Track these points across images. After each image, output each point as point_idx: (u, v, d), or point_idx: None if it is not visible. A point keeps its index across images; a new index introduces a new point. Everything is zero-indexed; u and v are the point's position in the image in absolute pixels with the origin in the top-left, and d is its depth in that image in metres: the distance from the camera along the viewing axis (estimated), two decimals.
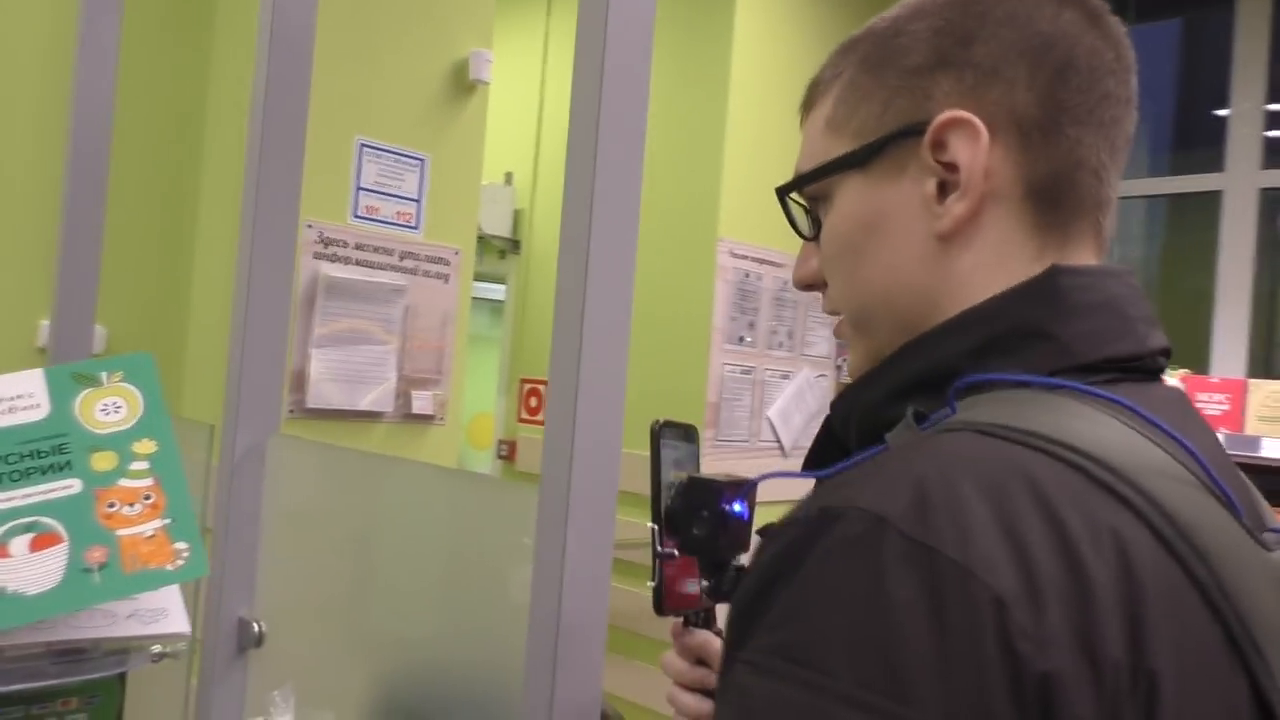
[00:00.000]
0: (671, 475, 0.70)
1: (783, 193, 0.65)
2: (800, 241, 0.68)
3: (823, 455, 0.63)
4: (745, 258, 3.12)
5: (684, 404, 3.02)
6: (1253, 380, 2.83)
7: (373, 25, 2.27)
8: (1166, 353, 0.58)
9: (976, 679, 0.40)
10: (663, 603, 0.70)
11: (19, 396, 0.75)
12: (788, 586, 0.44)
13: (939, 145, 0.56)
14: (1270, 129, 3.89)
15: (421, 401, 2.37)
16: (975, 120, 0.55)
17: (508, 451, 3.66)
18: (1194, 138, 4.68)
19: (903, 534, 0.42)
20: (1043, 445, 0.46)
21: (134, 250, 2.22)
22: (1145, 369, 0.56)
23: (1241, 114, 3.90)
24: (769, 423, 3.20)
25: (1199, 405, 2.98)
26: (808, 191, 0.64)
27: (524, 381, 3.64)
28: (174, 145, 2.28)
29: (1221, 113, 4.00)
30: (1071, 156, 0.56)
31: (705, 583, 0.67)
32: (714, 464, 3.02)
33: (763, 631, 0.44)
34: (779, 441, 3.21)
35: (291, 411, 2.16)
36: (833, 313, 0.65)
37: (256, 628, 1.38)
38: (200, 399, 2.23)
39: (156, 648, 0.74)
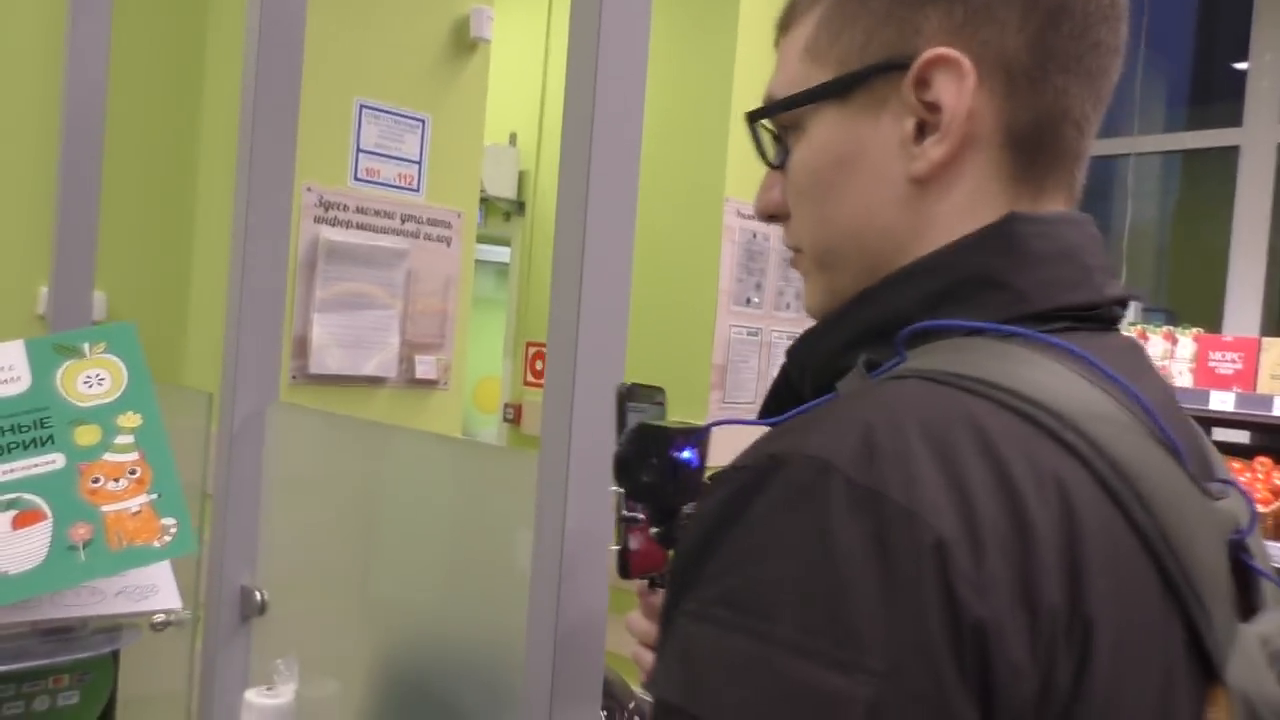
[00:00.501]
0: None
1: (753, 118, 0.63)
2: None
3: (779, 403, 0.62)
4: (752, 218, 3.07)
5: (690, 366, 3.00)
6: (1266, 339, 2.79)
7: None
8: (1124, 302, 0.57)
9: (918, 623, 0.40)
10: (628, 566, 0.70)
11: None
12: (732, 533, 0.44)
13: (922, 83, 0.54)
14: None
15: (425, 366, 2.35)
16: (964, 60, 0.53)
17: (514, 415, 3.65)
18: (1211, 92, 4.59)
19: (848, 479, 0.42)
20: (989, 392, 0.46)
21: (133, 215, 2.19)
22: (1101, 318, 0.55)
23: (1261, 67, 3.81)
24: None
25: (1211, 364, 2.94)
26: (780, 119, 0.62)
27: (529, 345, 3.62)
28: (171, 106, 2.25)
29: (1240, 66, 3.91)
30: (1057, 106, 0.55)
31: (654, 530, 0.66)
32: (721, 427, 3.01)
33: (706, 581, 0.44)
34: None
35: (294, 377, 2.15)
36: (794, 247, 0.63)
37: (259, 596, 1.37)
38: (203, 365, 2.22)
39: (160, 617, 0.73)
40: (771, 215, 0.64)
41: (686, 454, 0.62)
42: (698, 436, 0.63)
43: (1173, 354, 3.02)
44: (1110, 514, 0.44)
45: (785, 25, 0.63)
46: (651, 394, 0.76)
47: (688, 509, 0.66)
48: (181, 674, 1.64)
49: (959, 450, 0.43)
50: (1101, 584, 0.43)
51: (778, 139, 0.63)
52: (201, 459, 1.50)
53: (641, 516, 0.69)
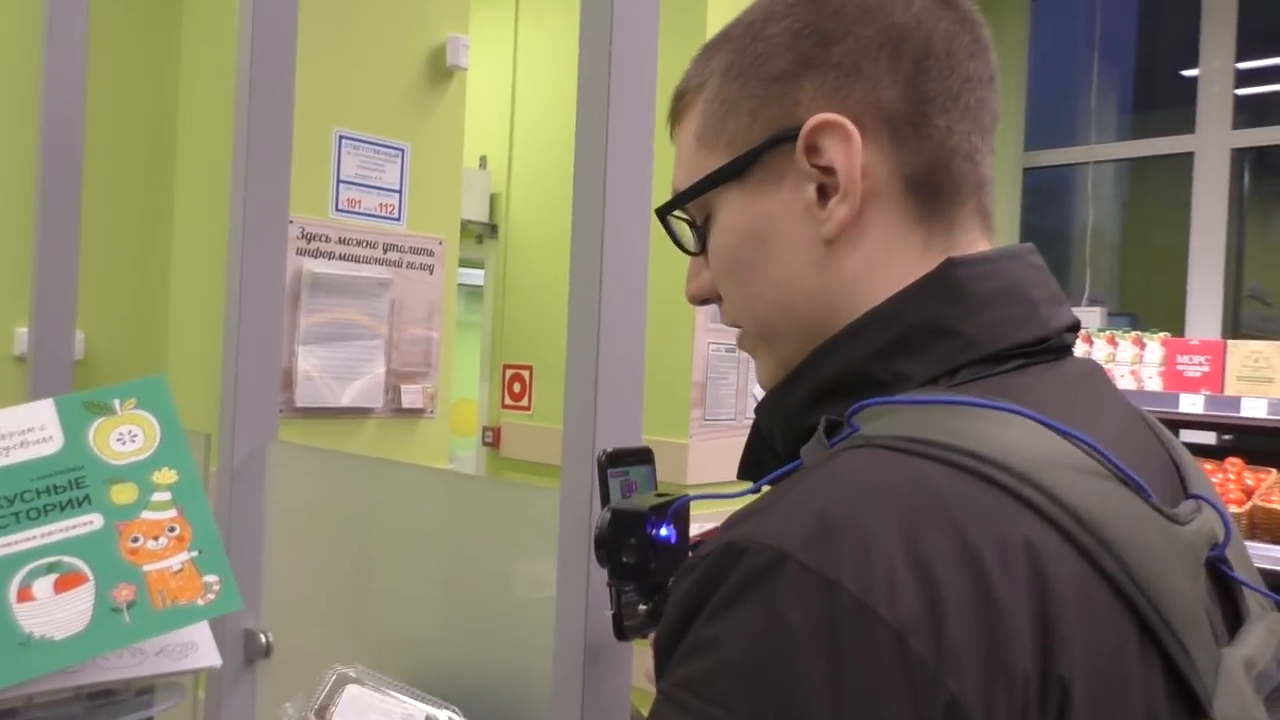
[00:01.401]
0: (619, 498, 0.70)
1: (663, 213, 0.64)
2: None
3: (755, 460, 0.63)
4: None
5: (671, 384, 3.01)
6: (1231, 341, 2.86)
7: (347, 13, 2.22)
8: (1075, 328, 0.59)
9: (873, 712, 0.40)
10: (623, 628, 0.71)
11: (30, 429, 0.72)
12: (695, 622, 0.44)
13: (813, 149, 0.56)
14: (1241, 87, 3.91)
15: (411, 395, 2.34)
16: (844, 121, 0.55)
17: (492, 438, 3.63)
18: (1159, 99, 4.71)
19: (802, 566, 0.42)
20: (944, 455, 0.46)
21: (110, 253, 2.16)
22: (1052, 349, 0.56)
23: (1210, 73, 3.92)
24: (754, 399, 3.19)
25: (1179, 368, 3.01)
26: (689, 208, 0.63)
27: (506, 367, 3.61)
28: (146, 144, 2.22)
29: (1190, 73, 4.01)
30: (945, 145, 0.56)
31: (643, 607, 0.67)
32: (703, 443, 3.02)
33: (675, 663, 0.45)
34: None
35: (281, 411, 2.12)
36: (732, 324, 0.64)
37: (264, 639, 1.36)
38: (185, 402, 2.19)
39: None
40: (704, 299, 0.65)
41: (664, 531, 0.62)
42: (674, 511, 0.63)
43: (1141, 359, 3.08)
44: (1078, 567, 0.44)
45: (675, 118, 0.65)
46: (637, 456, 0.77)
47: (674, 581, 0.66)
48: (185, 713, 1.61)
49: (915, 525, 0.43)
50: (1075, 641, 0.42)
51: (693, 225, 0.64)
52: None
53: (633, 589, 0.69)
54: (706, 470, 2.97)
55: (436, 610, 1.26)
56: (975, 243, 0.58)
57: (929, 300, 0.54)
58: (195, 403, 2.11)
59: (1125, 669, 0.44)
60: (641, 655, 0.85)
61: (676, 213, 0.64)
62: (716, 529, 0.50)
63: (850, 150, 0.55)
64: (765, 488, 0.53)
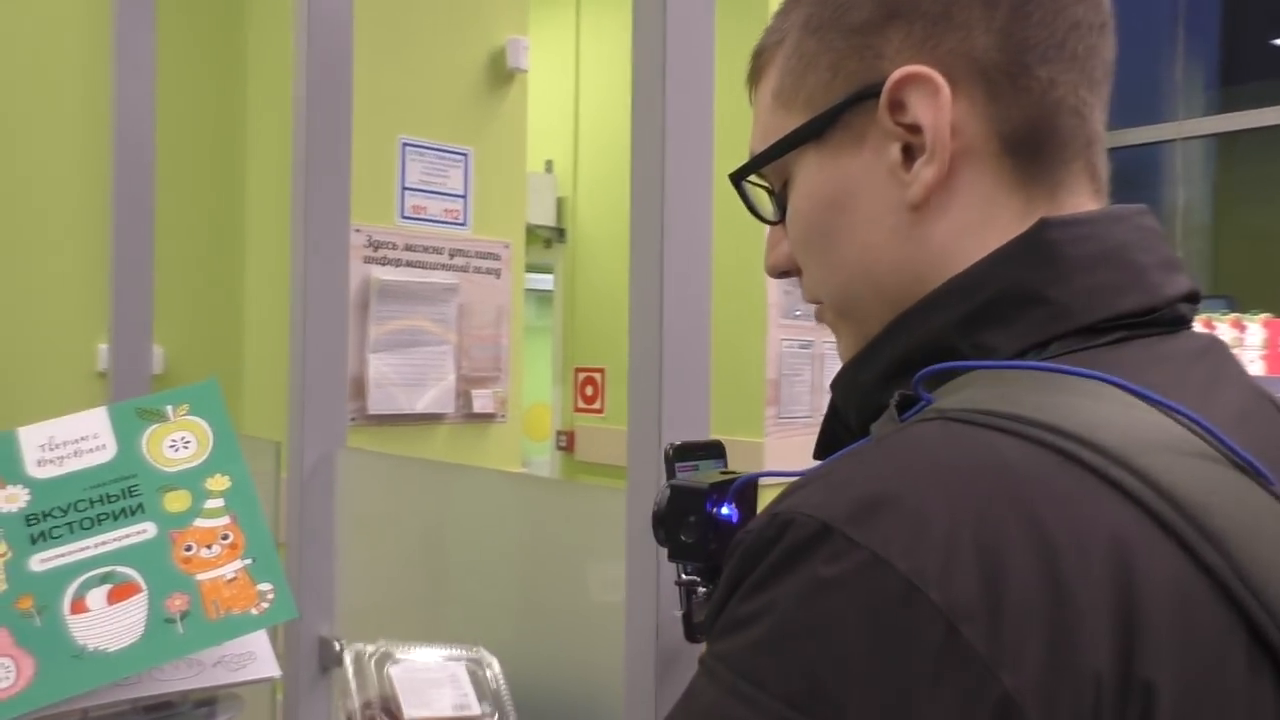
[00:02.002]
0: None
1: (737, 179, 0.60)
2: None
3: (830, 437, 0.59)
4: None
5: (743, 383, 2.96)
6: None
7: (405, 19, 2.23)
8: (1193, 298, 0.52)
9: (914, 703, 0.36)
10: (694, 629, 0.67)
11: (84, 438, 0.71)
12: (736, 594, 0.42)
13: (897, 106, 0.51)
14: None
15: (482, 400, 2.34)
16: (932, 74, 0.50)
17: (566, 442, 3.63)
18: (1249, 70, 4.49)
19: (848, 539, 0.38)
20: (1021, 429, 0.41)
21: (185, 267, 2.20)
22: (1162, 321, 0.50)
23: None
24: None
25: None
26: (765, 173, 0.59)
27: (578, 370, 3.60)
28: (216, 158, 2.26)
29: (1278, 41, 3.81)
30: (1047, 99, 0.51)
31: (702, 589, 0.63)
32: (779, 441, 2.97)
33: (714, 637, 0.42)
34: None
35: (353, 419, 2.14)
36: (813, 300, 0.60)
37: (338, 646, 1.35)
38: (262, 412, 2.22)
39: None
40: (784, 271, 0.61)
41: (725, 510, 0.60)
42: (736, 490, 0.60)
43: (1242, 341, 2.93)
44: (1175, 561, 0.39)
45: (754, 77, 0.61)
46: (707, 450, 0.73)
47: None
48: (263, 716, 1.62)
49: (982, 501, 0.39)
50: (1166, 644, 0.38)
51: (772, 193, 0.60)
52: (273, 507, 1.49)
53: (695, 572, 0.66)
54: (783, 468, 2.91)
55: (508, 613, 1.24)
56: (1083, 206, 0.53)
57: (1018, 265, 0.49)
58: (272, 412, 2.14)
59: (1229, 679, 0.39)
60: None
61: (753, 179, 0.60)
62: None
63: (938, 106, 0.50)
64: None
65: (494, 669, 0.99)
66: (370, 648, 0.96)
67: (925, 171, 0.50)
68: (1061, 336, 0.47)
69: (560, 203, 3.63)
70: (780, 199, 0.58)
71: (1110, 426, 0.41)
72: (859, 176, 0.53)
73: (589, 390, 3.60)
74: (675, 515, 0.59)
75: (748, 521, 0.60)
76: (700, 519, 0.59)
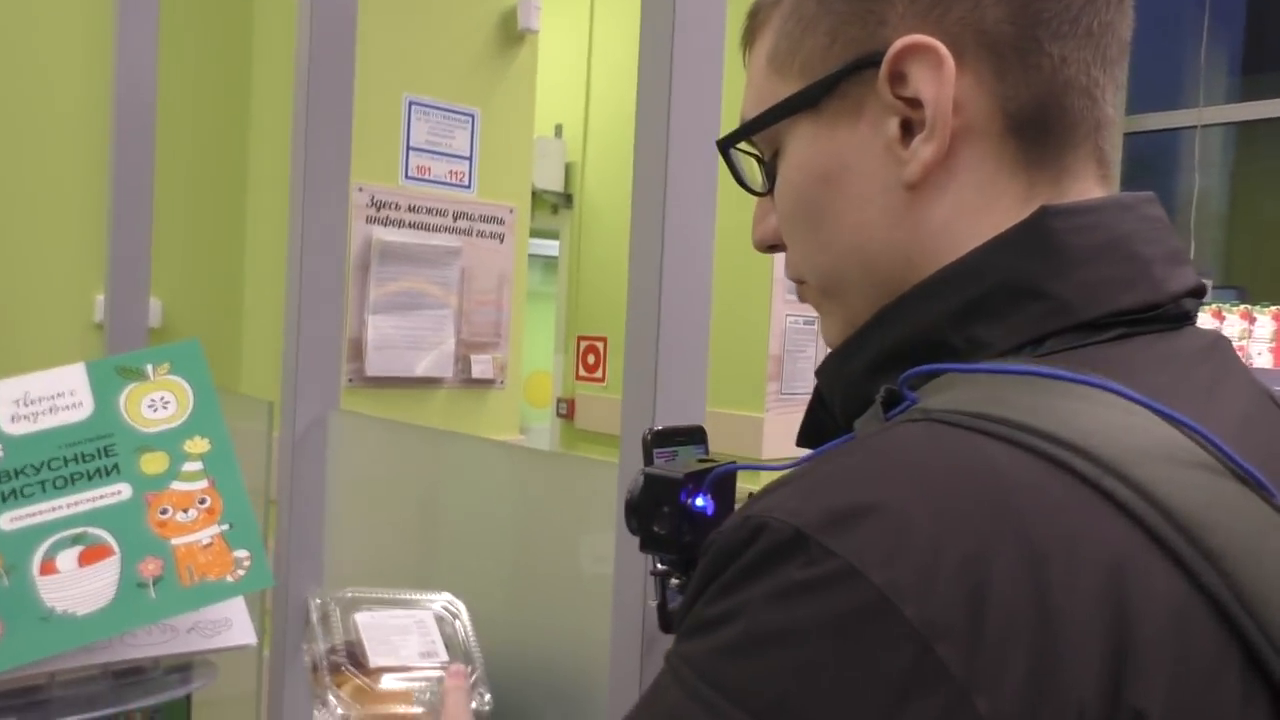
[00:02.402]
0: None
1: (725, 145, 0.57)
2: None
3: (815, 426, 0.57)
4: None
5: (746, 358, 2.94)
6: None
7: None
8: (1197, 293, 0.49)
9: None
10: (668, 619, 0.65)
11: (59, 394, 0.69)
12: (703, 596, 0.40)
13: (898, 78, 0.48)
14: None
15: (481, 366, 2.32)
16: (936, 45, 0.47)
17: (566, 410, 3.61)
18: (1272, 59, 4.42)
19: (821, 548, 0.36)
20: (1011, 434, 0.39)
21: (184, 220, 2.18)
22: (1167, 317, 0.47)
23: None
24: None
25: None
26: (756, 141, 0.56)
27: (580, 339, 3.58)
28: (220, 110, 2.23)
29: None
30: (1057, 78, 0.48)
31: (675, 582, 0.61)
32: (779, 417, 2.95)
33: (680, 636, 0.41)
34: None
35: (350, 380, 2.12)
36: (796, 278, 0.57)
37: (315, 601, 1.34)
38: (259, 369, 2.21)
39: None
40: (771, 245, 0.58)
41: (699, 501, 0.58)
42: (712, 480, 0.58)
43: (1251, 333, 2.90)
44: (1171, 580, 0.37)
45: (748, 39, 0.57)
46: (688, 436, 0.71)
47: None
48: (250, 684, 1.62)
49: (966, 511, 0.36)
50: (1158, 669, 0.36)
51: (761, 161, 0.57)
52: (264, 465, 1.48)
53: (669, 563, 0.64)
54: (783, 445, 2.90)
55: (497, 581, 1.23)
56: (1088, 193, 0.50)
57: (1015, 255, 0.46)
58: (269, 370, 2.12)
59: (1221, 709, 0.37)
60: None
61: (742, 146, 0.57)
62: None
63: (941, 79, 0.47)
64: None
65: (463, 618, 0.97)
66: (337, 595, 0.95)
67: (924, 149, 0.47)
68: (1059, 332, 0.45)
69: (569, 168, 3.59)
70: (770, 169, 0.55)
71: (1105, 433, 0.39)
72: (854, 150, 0.50)
73: (590, 358, 3.58)
74: (648, 505, 0.57)
75: (724, 514, 0.58)
76: (674, 509, 0.57)
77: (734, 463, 0.59)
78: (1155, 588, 0.36)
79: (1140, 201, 0.49)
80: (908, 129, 0.48)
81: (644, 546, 0.59)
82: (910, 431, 0.41)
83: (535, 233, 3.52)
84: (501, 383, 2.38)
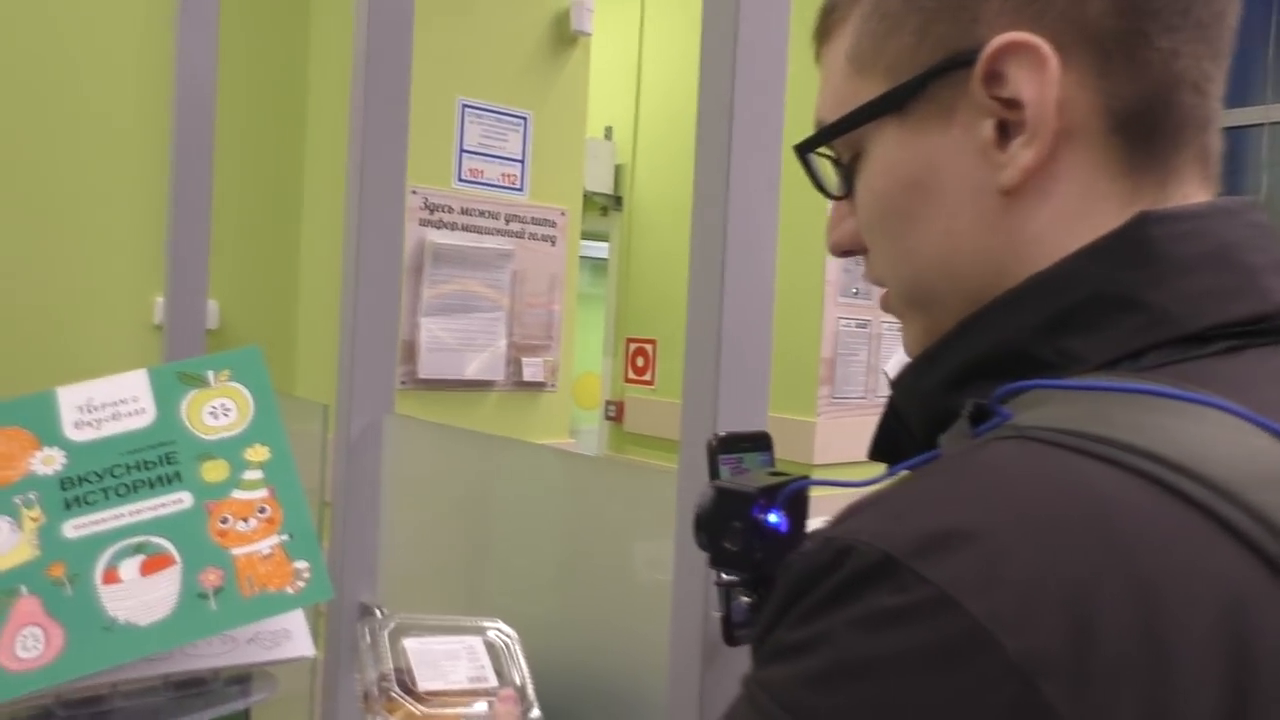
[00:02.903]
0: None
1: (804, 150, 0.55)
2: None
3: (889, 440, 0.54)
4: None
5: (798, 360, 2.91)
6: None
7: None
8: None
9: None
10: (733, 632, 0.62)
11: (123, 401, 0.69)
12: (784, 620, 0.38)
13: (994, 78, 0.45)
14: None
15: (532, 368, 2.31)
16: (1040, 43, 0.44)
17: (615, 412, 3.60)
18: None
19: (914, 574, 0.34)
20: (1115, 455, 0.36)
21: (242, 223, 2.20)
22: (1275, 329, 0.44)
23: None
24: (885, 377, 3.06)
25: None
26: (835, 143, 0.54)
27: (630, 341, 3.57)
28: (276, 114, 2.25)
29: None
30: (1167, 73, 0.45)
31: (745, 599, 0.59)
32: (831, 421, 2.91)
33: (759, 661, 0.39)
34: None
35: (403, 383, 2.13)
36: (877, 283, 0.55)
37: (379, 614, 1.34)
38: (314, 371, 2.22)
39: None
40: (848, 250, 0.55)
41: (773, 517, 0.56)
42: (786, 495, 0.56)
43: None
44: None
45: (823, 36, 0.55)
46: (753, 442, 0.68)
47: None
48: (303, 686, 1.63)
49: (1069, 538, 0.34)
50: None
51: (838, 164, 0.54)
52: (319, 468, 1.48)
53: (738, 580, 0.61)
54: (834, 450, 2.86)
55: (552, 590, 1.22)
56: (1192, 196, 0.47)
57: (1112, 264, 0.44)
58: (324, 371, 2.14)
59: None
60: None
61: (821, 150, 0.55)
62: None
63: (1044, 80, 0.44)
64: (902, 473, 0.44)
65: (514, 644, 0.96)
66: (386, 620, 0.95)
67: (1023, 153, 0.45)
68: (1159, 346, 0.42)
69: (618, 170, 3.58)
70: (848, 172, 0.53)
71: (1219, 455, 0.36)
72: (944, 154, 0.48)
73: (640, 361, 3.56)
74: (719, 519, 0.55)
75: (797, 531, 0.56)
76: (746, 525, 0.54)
77: (807, 478, 0.57)
78: (1277, 622, 0.33)
79: (1245, 207, 0.46)
80: (1003, 131, 0.46)
81: (713, 562, 0.57)
82: (1004, 450, 0.38)
83: (585, 235, 3.51)
84: (552, 385, 2.38)
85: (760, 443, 0.67)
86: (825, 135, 0.53)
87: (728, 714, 0.39)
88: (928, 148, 0.48)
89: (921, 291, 0.51)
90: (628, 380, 3.57)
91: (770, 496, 0.55)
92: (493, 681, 0.89)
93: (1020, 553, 0.33)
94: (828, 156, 0.55)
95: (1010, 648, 0.32)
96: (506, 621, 1.23)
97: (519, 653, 0.94)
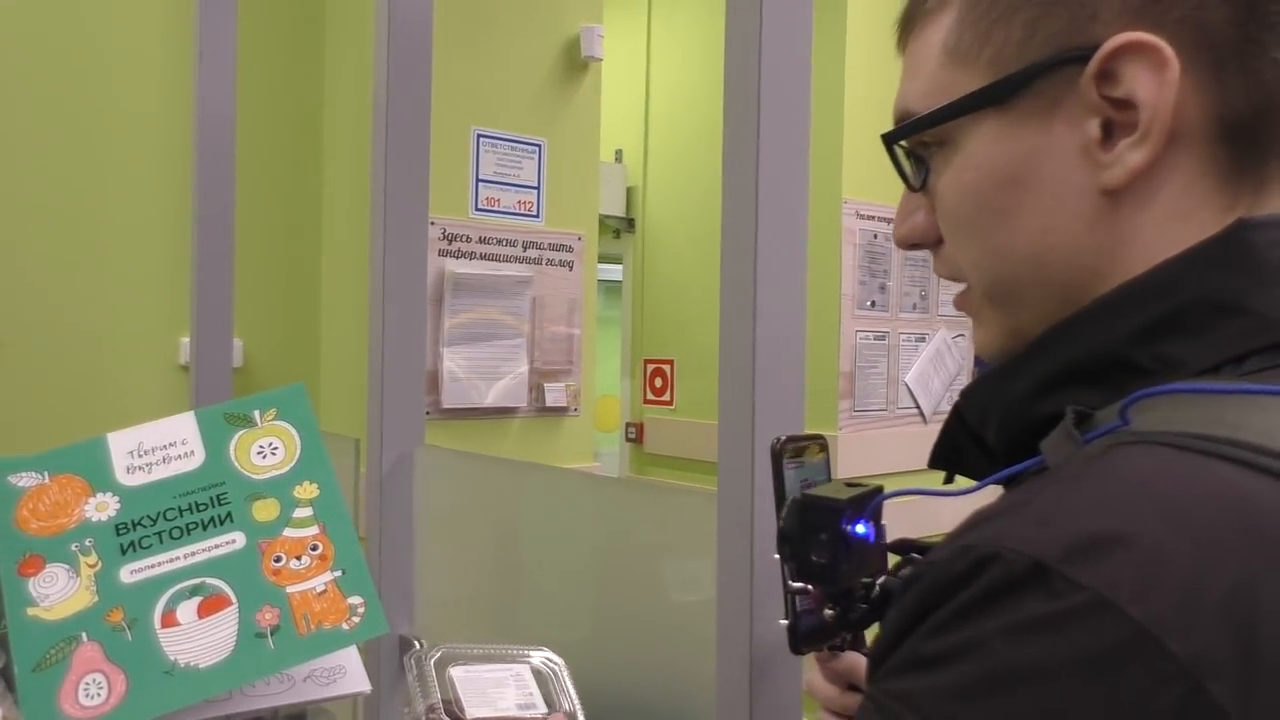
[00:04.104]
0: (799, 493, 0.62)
1: (891, 139, 0.54)
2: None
3: (953, 448, 0.54)
4: (872, 218, 2.96)
5: (817, 375, 2.90)
6: None
7: (480, 8, 2.21)
8: None
9: None
10: (799, 641, 0.62)
11: (172, 444, 0.70)
12: (918, 630, 0.37)
13: (1107, 77, 0.45)
14: None
15: (555, 394, 2.32)
16: (1161, 45, 0.44)
17: (636, 434, 3.60)
18: None
19: (1068, 580, 0.34)
20: (1247, 457, 0.36)
21: (263, 261, 2.22)
22: None
23: None
24: (906, 389, 3.05)
25: None
26: (921, 134, 0.53)
27: (648, 362, 3.57)
28: (293, 152, 2.27)
29: None
30: (1277, 84, 0.45)
31: (830, 612, 0.58)
32: (853, 434, 2.90)
33: (888, 673, 0.38)
34: (919, 408, 3.05)
35: (427, 413, 2.13)
36: (954, 278, 0.54)
37: (418, 645, 1.34)
38: (338, 407, 2.23)
39: None
40: (916, 244, 0.55)
41: (860, 528, 0.55)
42: (870, 506, 0.55)
43: None
44: None
45: (914, 23, 0.54)
46: (811, 445, 0.68)
47: (865, 584, 0.58)
48: (345, 718, 1.62)
49: (1222, 540, 0.34)
50: None
51: (912, 155, 0.54)
52: (353, 501, 1.49)
53: (810, 587, 0.61)
54: (857, 464, 2.85)
55: (591, 616, 1.21)
56: None
57: (1212, 269, 0.44)
58: (349, 407, 2.15)
59: None
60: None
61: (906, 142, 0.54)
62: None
63: (1164, 82, 0.44)
64: (993, 488, 0.45)
65: (562, 671, 0.96)
66: (431, 651, 0.95)
67: (1132, 155, 0.45)
68: (1260, 350, 0.42)
69: (630, 192, 3.59)
70: (925, 164, 0.53)
71: None
72: (1045, 152, 0.47)
73: (658, 382, 3.56)
74: (805, 533, 0.54)
75: (882, 540, 0.55)
76: (834, 537, 0.54)
77: (883, 489, 0.57)
78: None
79: None
80: (1108, 131, 0.46)
81: (797, 575, 0.56)
82: (1135, 456, 0.38)
83: (599, 258, 3.53)
84: (575, 410, 2.38)
85: (821, 444, 0.67)
86: (918, 125, 0.52)
87: None
88: (1027, 144, 0.48)
89: (1008, 289, 0.50)
90: (646, 401, 3.57)
91: (859, 508, 0.55)
92: (542, 708, 0.89)
93: (1174, 556, 0.33)
94: (903, 147, 0.54)
95: (1175, 650, 0.32)
96: (545, 646, 1.22)
97: (567, 679, 0.93)
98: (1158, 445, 0.38)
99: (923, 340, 3.12)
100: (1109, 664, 0.32)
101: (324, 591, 0.65)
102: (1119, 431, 0.41)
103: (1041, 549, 0.35)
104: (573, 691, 0.92)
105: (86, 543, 0.65)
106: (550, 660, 0.93)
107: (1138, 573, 0.33)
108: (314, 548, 0.67)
